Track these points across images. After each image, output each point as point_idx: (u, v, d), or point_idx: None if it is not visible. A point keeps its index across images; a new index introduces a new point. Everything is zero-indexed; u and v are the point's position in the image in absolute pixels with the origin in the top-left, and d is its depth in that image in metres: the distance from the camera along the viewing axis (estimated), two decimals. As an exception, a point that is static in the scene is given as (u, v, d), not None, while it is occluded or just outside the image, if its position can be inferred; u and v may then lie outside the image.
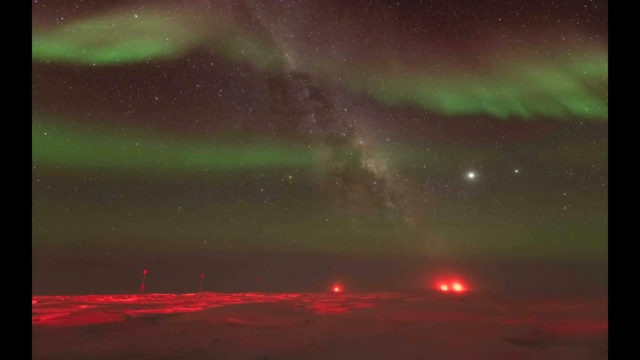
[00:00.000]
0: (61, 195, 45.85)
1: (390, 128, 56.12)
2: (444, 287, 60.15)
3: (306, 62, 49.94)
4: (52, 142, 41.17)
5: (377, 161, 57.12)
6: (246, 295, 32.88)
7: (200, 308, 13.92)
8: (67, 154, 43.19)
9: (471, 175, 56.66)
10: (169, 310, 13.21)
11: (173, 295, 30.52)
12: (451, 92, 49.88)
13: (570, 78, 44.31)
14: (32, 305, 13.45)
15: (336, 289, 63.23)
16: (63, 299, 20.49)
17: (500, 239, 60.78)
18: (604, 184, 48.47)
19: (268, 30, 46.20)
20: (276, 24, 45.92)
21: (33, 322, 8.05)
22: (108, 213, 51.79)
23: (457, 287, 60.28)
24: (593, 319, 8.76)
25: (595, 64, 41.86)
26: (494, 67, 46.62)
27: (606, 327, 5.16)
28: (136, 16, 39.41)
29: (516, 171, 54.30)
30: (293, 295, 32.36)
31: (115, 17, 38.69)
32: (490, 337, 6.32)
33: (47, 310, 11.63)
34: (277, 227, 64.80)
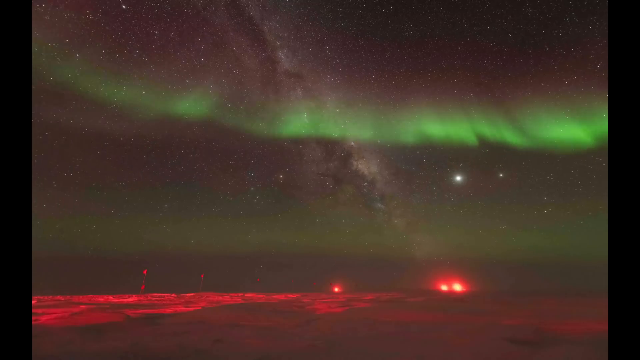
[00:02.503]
0: (39, 191, 44.07)
1: (381, 130, 56.55)
2: (444, 287, 60.38)
3: (299, 61, 49.97)
4: (29, 135, 40.29)
5: (367, 162, 57.50)
6: (246, 295, 32.90)
7: (200, 308, 13.92)
8: (47, 147, 41.65)
9: (458, 178, 58.09)
10: (169, 310, 13.21)
11: (173, 295, 30.54)
12: (441, 95, 50.51)
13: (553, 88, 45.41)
14: (32, 305, 13.45)
15: (336, 289, 63.27)
16: (63, 299, 20.49)
17: (484, 241, 62.82)
18: (582, 189, 51.39)
19: (261, 27, 46.06)
20: (270, 21, 45.77)
21: (33, 322, 8.05)
22: (89, 210, 49.85)
23: (457, 287, 60.47)
24: (593, 319, 8.76)
25: (576, 75, 43.54)
26: (482, 74, 47.80)
27: (606, 327, 5.16)
28: (124, 7, 38.54)
29: (501, 175, 56.42)
30: (293, 296, 32.37)
31: (101, 6, 37.53)
32: (490, 337, 6.32)
33: (47, 310, 11.63)
34: (266, 226, 64.46)
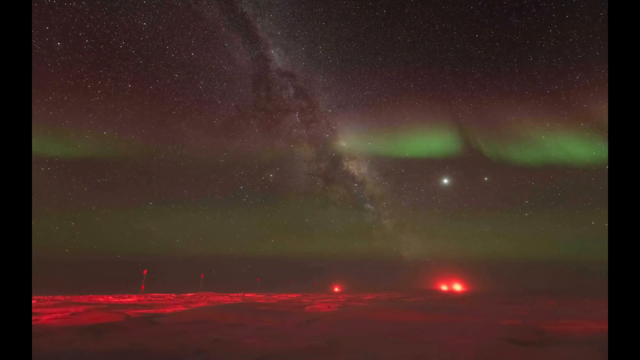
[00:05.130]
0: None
1: (372, 132, 56.46)
2: (444, 287, 60.62)
3: (292, 60, 49.40)
4: (4, 126, 38.70)
5: (358, 163, 57.62)
6: (246, 295, 32.91)
7: (199, 308, 13.91)
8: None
9: (445, 181, 59.35)
10: (169, 310, 13.21)
11: (173, 295, 30.54)
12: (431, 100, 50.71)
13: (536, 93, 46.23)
14: (32, 305, 13.44)
15: (336, 289, 63.36)
16: (63, 299, 20.50)
17: (469, 242, 63.63)
18: (560, 193, 52.92)
19: (254, 24, 45.08)
20: (263, 19, 44.82)
21: (33, 322, 8.05)
22: (68, 207, 47.07)
23: (457, 287, 60.68)
24: (593, 319, 8.76)
25: (556, 85, 44.86)
26: (470, 80, 48.62)
27: (606, 327, 5.15)
28: (112, -4, 36.38)
29: (485, 179, 57.58)
30: (293, 296, 32.39)
31: (89, -6, 34.89)
32: (490, 337, 6.32)
33: (47, 310, 11.63)
34: (255, 226, 62.97)
